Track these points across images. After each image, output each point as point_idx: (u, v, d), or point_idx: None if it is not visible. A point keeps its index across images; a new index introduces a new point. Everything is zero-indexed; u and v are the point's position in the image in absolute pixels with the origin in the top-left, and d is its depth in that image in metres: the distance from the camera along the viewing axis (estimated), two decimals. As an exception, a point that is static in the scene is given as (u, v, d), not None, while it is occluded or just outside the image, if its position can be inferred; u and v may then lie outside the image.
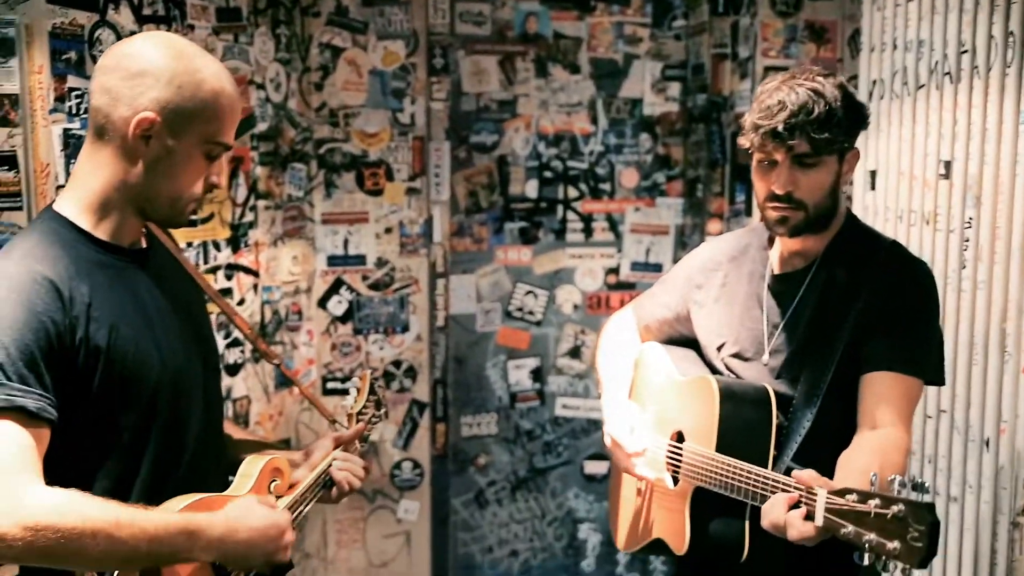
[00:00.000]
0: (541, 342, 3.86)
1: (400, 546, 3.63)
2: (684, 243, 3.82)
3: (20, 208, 2.14)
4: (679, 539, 2.03)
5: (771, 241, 2.09)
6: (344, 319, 3.53)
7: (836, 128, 1.83)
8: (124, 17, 2.36)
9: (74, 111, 2.19)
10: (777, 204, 1.90)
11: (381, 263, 3.53)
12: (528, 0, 3.69)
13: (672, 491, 2.08)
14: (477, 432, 3.83)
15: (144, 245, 1.60)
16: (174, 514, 1.43)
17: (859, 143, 1.94)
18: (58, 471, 1.39)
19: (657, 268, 3.85)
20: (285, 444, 3.09)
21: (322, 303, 3.50)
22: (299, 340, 3.36)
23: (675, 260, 3.80)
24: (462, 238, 3.74)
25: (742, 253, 2.14)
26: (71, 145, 2.19)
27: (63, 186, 2.16)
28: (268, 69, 3.08)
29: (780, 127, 1.82)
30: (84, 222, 1.50)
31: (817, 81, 1.87)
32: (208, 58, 1.53)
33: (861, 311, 1.89)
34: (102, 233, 1.50)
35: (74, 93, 2.19)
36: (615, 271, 3.86)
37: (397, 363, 3.57)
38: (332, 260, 3.49)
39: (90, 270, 1.46)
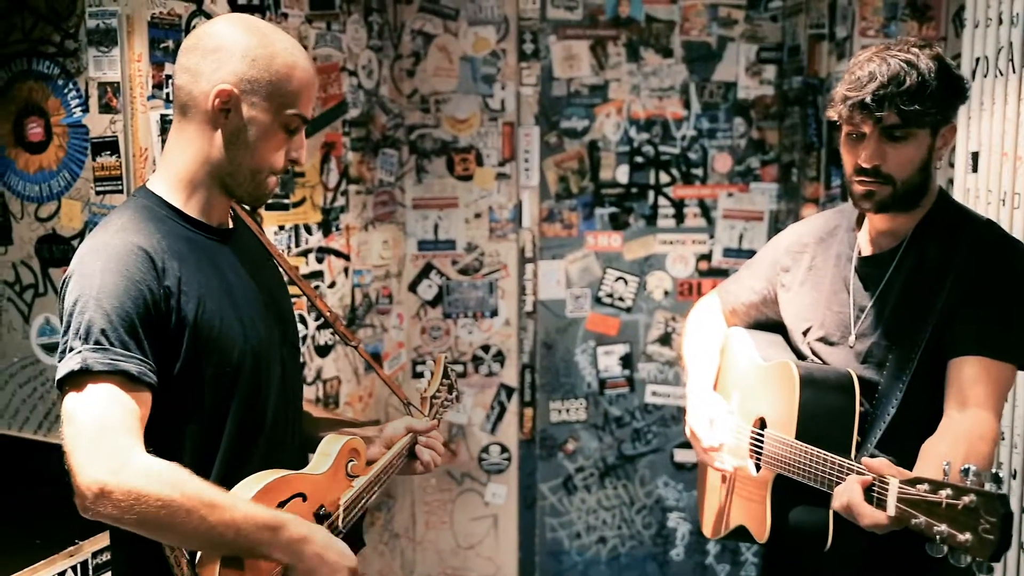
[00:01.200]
0: (631, 328, 3.83)
1: (487, 529, 3.67)
2: (778, 229, 3.73)
3: (121, 191, 2.25)
4: (760, 527, 2.00)
5: (860, 222, 2.03)
6: (434, 303, 3.58)
7: (928, 100, 1.77)
8: (220, 7, 2.44)
9: (170, 97, 2.28)
10: (864, 178, 1.85)
11: (470, 248, 3.56)
12: (620, -16, 3.66)
13: (754, 479, 2.05)
14: (566, 418, 3.84)
15: (231, 226, 1.66)
16: (263, 508, 1.45)
17: (960, 123, 1.86)
18: (145, 437, 1.43)
19: (750, 254, 3.73)
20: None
21: (412, 287, 3.56)
22: (389, 323, 3.42)
23: (769, 247, 3.73)
24: (552, 223, 3.74)
25: (830, 235, 2.08)
26: (167, 130, 2.28)
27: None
28: (360, 56, 3.14)
29: (868, 98, 1.77)
30: (175, 199, 1.56)
31: (911, 52, 1.81)
32: (281, 34, 1.57)
33: (950, 293, 1.82)
34: (191, 210, 1.57)
35: (171, 80, 2.28)
36: (707, 257, 3.81)
37: (486, 347, 3.61)
38: (422, 245, 3.55)
39: (180, 245, 1.52)
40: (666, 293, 3.83)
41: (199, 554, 1.42)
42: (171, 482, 1.35)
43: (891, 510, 1.52)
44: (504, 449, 3.66)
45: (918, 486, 1.47)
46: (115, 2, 2.21)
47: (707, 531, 2.29)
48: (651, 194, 3.79)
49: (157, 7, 2.24)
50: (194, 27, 2.35)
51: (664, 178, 3.78)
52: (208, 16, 2.39)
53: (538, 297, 3.67)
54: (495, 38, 3.48)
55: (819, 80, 3.43)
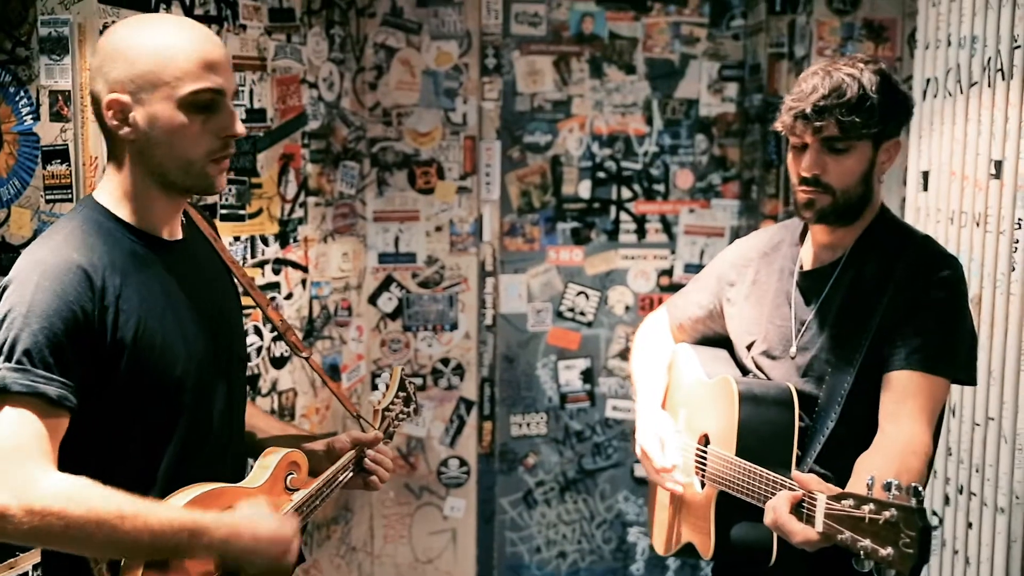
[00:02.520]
0: (592, 343, 3.85)
1: (446, 543, 3.66)
2: (739, 246, 3.77)
3: (70, 200, 2.24)
4: (705, 544, 2.00)
5: (803, 237, 2.05)
6: (394, 316, 3.58)
7: (868, 113, 1.79)
8: (174, 14, 2.43)
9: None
10: (805, 187, 1.87)
11: (431, 261, 3.57)
12: (584, 0, 3.69)
13: (699, 495, 2.05)
14: (527, 432, 3.84)
15: (181, 235, 1.63)
16: (180, 510, 1.44)
17: (912, 143, 1.89)
18: (81, 457, 1.42)
19: (711, 271, 3.80)
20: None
21: (372, 300, 3.56)
22: (348, 335, 3.42)
23: (730, 263, 3.75)
24: (514, 237, 3.76)
25: (774, 249, 2.10)
26: (119, 139, 2.28)
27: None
28: (321, 69, 3.15)
29: (809, 109, 1.81)
30: (120, 210, 1.53)
31: (856, 67, 1.85)
32: (158, 18, 1.54)
33: (887, 308, 1.83)
34: (138, 221, 1.53)
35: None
36: (668, 273, 3.83)
37: (445, 360, 3.61)
38: (383, 257, 3.55)
39: (123, 260, 1.49)
40: (627, 308, 3.85)
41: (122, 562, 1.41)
42: (77, 499, 1.34)
43: (819, 526, 1.53)
44: (463, 463, 3.65)
45: (843, 501, 1.48)
46: (67, 11, 2.21)
47: (658, 547, 2.30)
48: (613, 209, 3.81)
49: (109, 16, 2.24)
50: (147, 37, 2.34)
51: (626, 193, 3.81)
52: (162, 26, 2.38)
53: (499, 311, 3.67)
54: (458, 52, 3.50)
55: (779, 98, 3.46)
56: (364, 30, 3.43)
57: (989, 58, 2.49)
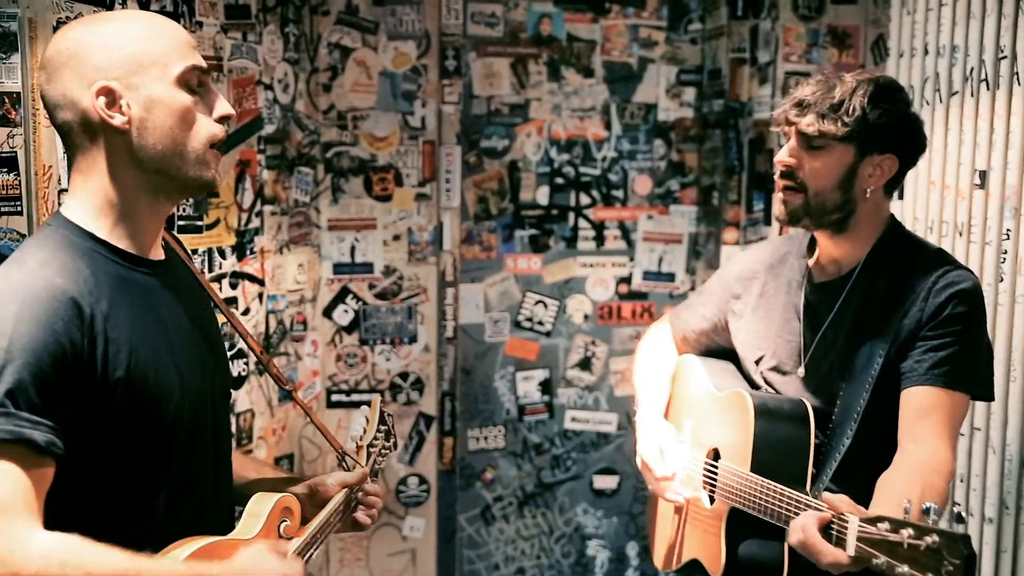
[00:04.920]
0: (550, 353, 3.76)
1: (405, 564, 3.52)
2: (698, 252, 3.73)
3: (20, 212, 2.03)
4: (715, 561, 1.96)
5: (811, 250, 2.02)
6: (350, 329, 3.42)
7: (849, 117, 1.79)
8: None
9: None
10: (782, 182, 1.88)
11: (389, 271, 3.42)
12: (542, 1, 3.59)
13: (708, 511, 2.01)
14: (484, 446, 3.73)
15: (163, 256, 1.49)
16: (182, 564, 1.31)
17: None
18: (65, 507, 1.29)
19: (670, 278, 3.76)
20: (288, 462, 2.98)
21: (327, 312, 3.39)
22: (303, 351, 3.24)
23: (688, 269, 3.72)
24: (471, 246, 3.64)
25: (780, 262, 2.07)
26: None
27: (66, 189, 2.06)
28: (276, 69, 2.98)
29: (791, 103, 1.85)
30: (98, 227, 1.38)
31: (859, 76, 1.86)
32: (116, 12, 1.47)
33: (902, 322, 1.81)
34: (119, 239, 1.39)
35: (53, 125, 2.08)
36: (627, 280, 3.77)
37: (404, 375, 3.47)
38: (338, 268, 3.38)
39: (109, 284, 1.35)
40: (586, 317, 3.77)
41: None
42: (71, 561, 1.20)
43: (851, 549, 1.50)
44: (423, 480, 3.52)
45: (879, 525, 1.45)
46: (14, 4, 2.00)
47: (658, 563, 2.25)
48: (571, 216, 3.73)
49: (63, 11, 2.03)
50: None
51: (584, 200, 3.73)
52: (118, 22, 2.19)
53: (458, 322, 3.55)
54: (416, 53, 3.36)
55: (740, 104, 3.43)
56: (318, 29, 3.26)
57: (972, 68, 2.48)
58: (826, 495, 1.60)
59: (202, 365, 1.48)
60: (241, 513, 1.53)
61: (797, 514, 1.67)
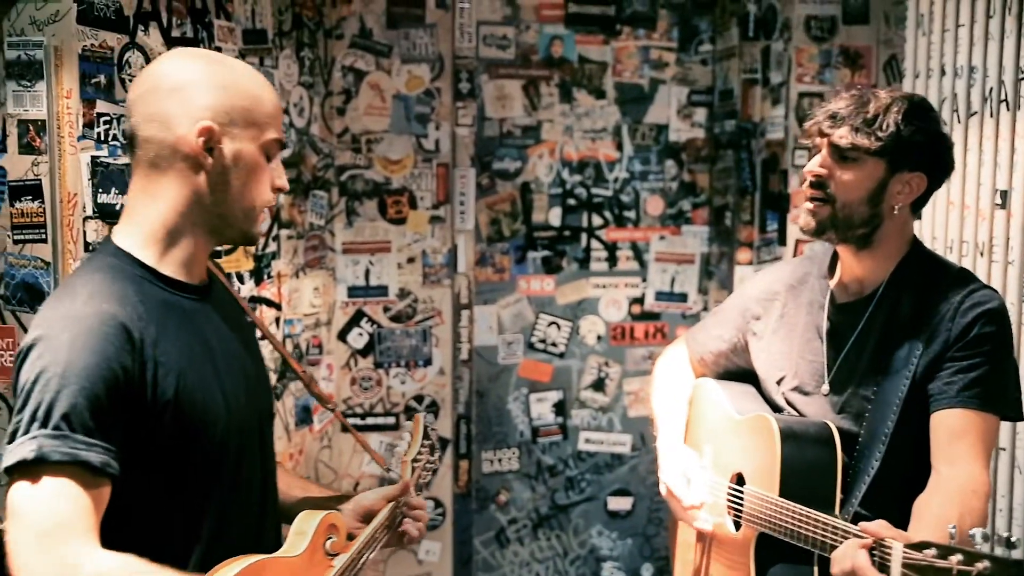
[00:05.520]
0: (564, 374, 3.74)
1: (421, 588, 3.49)
2: (710, 272, 3.73)
3: (44, 240, 2.02)
4: (745, 588, 1.93)
5: (832, 270, 2.01)
6: (365, 352, 3.40)
7: (883, 132, 1.78)
8: (153, 39, 2.25)
9: (103, 137, 2.08)
10: (810, 192, 1.86)
11: (403, 294, 3.41)
12: (553, 24, 3.60)
13: (734, 537, 1.98)
14: (498, 468, 3.71)
15: (207, 281, 1.52)
16: None
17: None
18: (117, 528, 1.30)
19: (682, 298, 3.76)
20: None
21: (342, 336, 3.38)
22: (319, 375, 3.23)
23: (700, 290, 3.71)
24: (484, 268, 3.63)
25: (801, 282, 2.06)
26: (99, 174, 2.07)
27: (91, 217, 2.06)
28: (292, 93, 2.98)
29: (825, 115, 1.83)
30: (148, 256, 1.41)
31: (893, 93, 1.85)
32: (235, 60, 1.50)
33: (928, 343, 1.80)
34: (168, 268, 1.43)
35: (103, 119, 2.07)
36: (640, 301, 3.76)
37: (419, 398, 3.45)
38: (353, 291, 3.37)
39: (158, 311, 1.38)
40: (599, 338, 3.76)
41: None
42: None
43: (895, 575, 1.46)
44: (438, 504, 3.49)
45: (925, 551, 1.42)
46: (40, 32, 2.00)
47: None
48: (584, 237, 3.73)
49: (88, 39, 2.03)
50: (127, 61, 2.15)
51: (597, 220, 3.72)
52: (141, 49, 2.19)
53: (473, 344, 3.53)
54: (429, 76, 3.36)
55: (753, 124, 3.44)
56: (332, 52, 3.26)
57: (991, 88, 2.49)
58: (864, 524, 1.58)
59: (247, 388, 1.50)
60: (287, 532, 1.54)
61: (835, 540, 1.66)
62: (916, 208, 1.91)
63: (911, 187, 1.85)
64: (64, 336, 1.28)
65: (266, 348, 2.72)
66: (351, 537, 1.62)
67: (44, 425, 1.25)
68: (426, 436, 1.91)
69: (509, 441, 3.71)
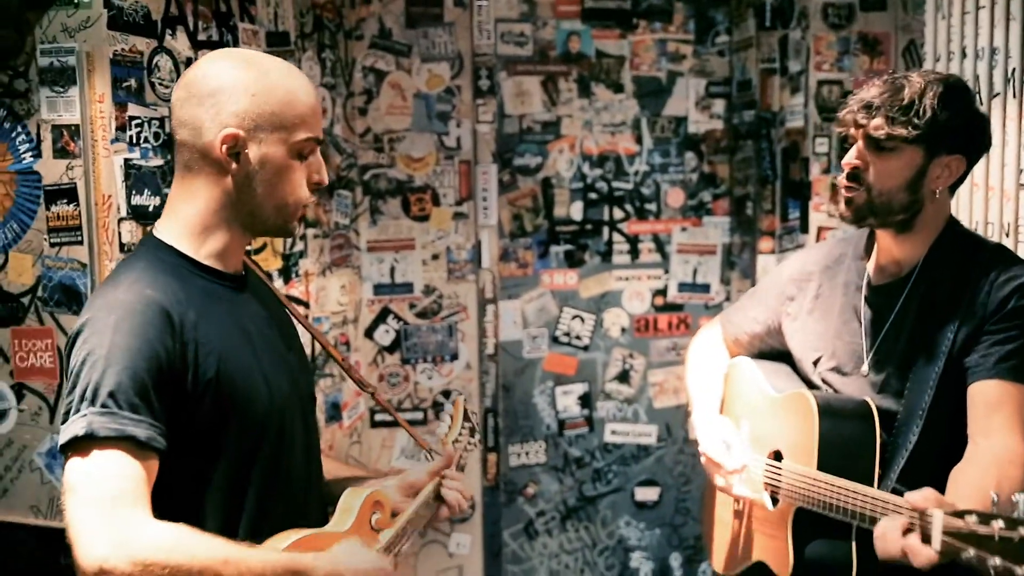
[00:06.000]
0: (589, 367, 3.76)
1: (452, 581, 3.53)
2: (732, 263, 3.74)
3: (80, 242, 2.07)
4: (783, 563, 1.95)
5: (868, 251, 2.02)
6: (391, 349, 3.44)
7: (920, 119, 1.77)
8: (180, 43, 2.29)
9: (135, 140, 2.12)
10: (846, 183, 1.86)
11: (429, 290, 3.44)
12: (570, 19, 3.62)
13: (772, 512, 2.00)
14: (525, 461, 3.73)
15: (243, 272, 1.57)
16: (280, 553, 1.38)
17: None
18: (165, 503, 1.35)
19: (705, 289, 3.77)
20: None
21: (368, 333, 3.41)
22: (347, 371, 3.26)
23: (723, 280, 3.73)
24: (507, 263, 3.66)
25: (836, 263, 2.07)
26: (132, 176, 2.12)
27: (125, 218, 2.10)
28: (315, 94, 3.01)
29: (859, 105, 1.82)
30: (187, 247, 1.48)
31: (926, 77, 1.83)
32: (273, 60, 1.50)
33: (965, 318, 1.81)
34: (206, 257, 1.48)
35: (134, 122, 2.12)
36: (663, 292, 3.78)
37: (447, 393, 3.48)
38: (378, 288, 3.41)
39: (198, 296, 1.44)
40: (623, 330, 3.78)
41: None
42: (179, 547, 1.28)
43: (936, 544, 1.48)
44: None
45: (967, 518, 1.43)
46: (71, 39, 2.05)
47: (718, 567, 2.24)
48: (605, 230, 3.75)
49: (118, 43, 2.07)
50: (156, 64, 2.19)
51: (618, 214, 3.74)
52: (169, 53, 2.23)
53: (498, 339, 3.56)
54: (449, 74, 3.39)
55: (772, 114, 3.45)
56: (352, 53, 3.30)
57: (1014, 69, 2.49)
58: (909, 495, 1.58)
59: (288, 372, 1.55)
60: (333, 510, 1.58)
61: (874, 512, 1.66)
62: (954, 188, 1.92)
63: (951, 170, 1.85)
64: (109, 320, 1.35)
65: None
66: (395, 515, 1.67)
67: (92, 403, 1.31)
68: (466, 418, 1.96)
69: (536, 434, 3.74)
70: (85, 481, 1.29)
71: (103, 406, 1.31)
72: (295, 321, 1.75)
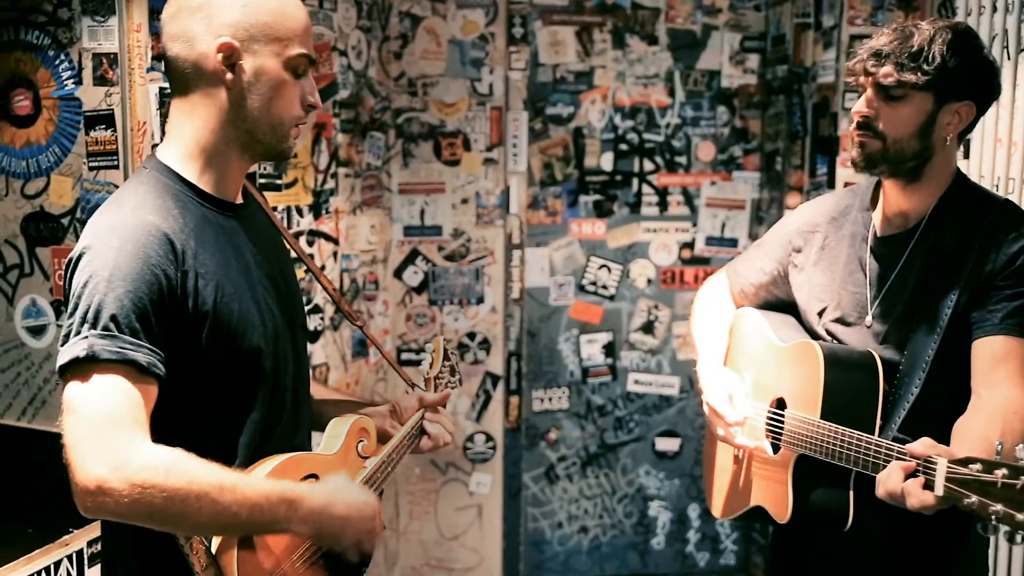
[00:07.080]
0: (614, 317, 3.82)
1: (472, 519, 3.63)
2: (760, 218, 3.76)
3: (116, 167, 2.16)
4: (782, 508, 1.98)
5: (874, 202, 2.03)
6: (419, 290, 3.53)
7: (929, 65, 1.76)
8: (217, -22, 2.36)
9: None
10: (857, 132, 1.87)
11: (457, 234, 3.52)
12: (606, -31, 3.64)
13: (773, 459, 2.03)
14: (548, 407, 3.81)
15: (242, 200, 1.58)
16: (275, 482, 1.40)
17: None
18: (163, 429, 1.36)
19: (733, 243, 3.79)
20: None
21: (398, 273, 3.50)
22: (375, 310, 3.36)
23: (751, 235, 3.74)
24: (536, 211, 3.71)
25: (842, 214, 2.07)
26: (167, 104, 2.20)
27: (158, 144, 2.19)
28: (350, 36, 3.08)
29: (868, 53, 1.82)
30: (188, 171, 1.47)
31: (935, 24, 1.82)
32: None
33: (972, 274, 1.81)
34: (206, 184, 1.48)
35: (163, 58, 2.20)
36: (690, 245, 3.81)
37: (472, 335, 3.57)
38: (408, 230, 3.49)
39: (197, 225, 1.44)
40: (649, 281, 3.82)
41: (215, 541, 1.36)
42: (176, 471, 1.29)
43: (939, 490, 1.50)
44: (489, 438, 3.62)
45: (970, 466, 1.44)
46: (112, -31, 2.13)
47: (716, 511, 2.28)
48: (635, 182, 3.78)
49: (156, -24, 2.16)
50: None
51: (648, 166, 3.77)
52: (206, -13, 2.31)
53: (524, 284, 3.63)
54: (484, 21, 3.43)
55: (804, 69, 3.45)
56: (389, -2, 3.36)
57: (1041, 23, 2.48)
58: (911, 445, 1.60)
59: (280, 302, 1.56)
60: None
61: (876, 458, 1.69)
62: (962, 137, 1.92)
63: (960, 116, 1.85)
64: (112, 243, 1.34)
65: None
66: (383, 441, 1.70)
67: (94, 326, 1.30)
68: (446, 358, 1.98)
69: (559, 381, 3.81)
70: (84, 403, 1.28)
71: (104, 329, 1.30)
72: (290, 249, 1.76)
